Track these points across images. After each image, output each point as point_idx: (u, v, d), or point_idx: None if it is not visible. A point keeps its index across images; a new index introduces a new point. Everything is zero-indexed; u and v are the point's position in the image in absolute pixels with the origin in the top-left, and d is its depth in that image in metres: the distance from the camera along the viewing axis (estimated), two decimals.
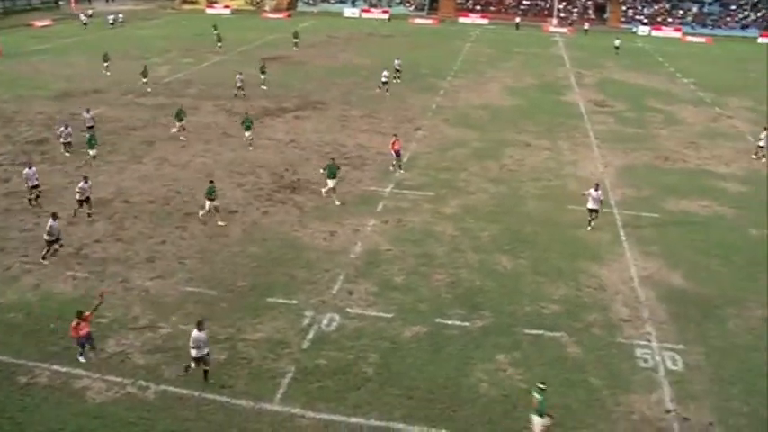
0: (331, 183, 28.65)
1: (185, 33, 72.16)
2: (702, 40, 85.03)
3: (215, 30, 68.11)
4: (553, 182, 32.53)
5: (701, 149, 38.81)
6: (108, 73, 51.28)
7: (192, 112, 41.64)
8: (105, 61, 51.98)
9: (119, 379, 17.45)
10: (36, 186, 27.42)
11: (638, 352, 19.47)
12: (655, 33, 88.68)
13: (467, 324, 20.43)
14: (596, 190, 26.66)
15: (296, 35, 63.65)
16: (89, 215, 26.37)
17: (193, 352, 16.99)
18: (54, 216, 23.19)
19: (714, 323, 21.07)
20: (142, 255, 23.81)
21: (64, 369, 17.78)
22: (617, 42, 71.39)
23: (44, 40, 67.69)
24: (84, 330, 17.58)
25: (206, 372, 17.32)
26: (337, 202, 28.51)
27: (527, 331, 20.16)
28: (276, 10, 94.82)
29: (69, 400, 16.72)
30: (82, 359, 17.94)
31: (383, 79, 48.29)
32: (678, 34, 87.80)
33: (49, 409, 16.41)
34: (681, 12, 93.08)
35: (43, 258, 23.03)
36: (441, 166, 34.01)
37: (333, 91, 48.74)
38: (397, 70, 51.71)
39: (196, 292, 21.59)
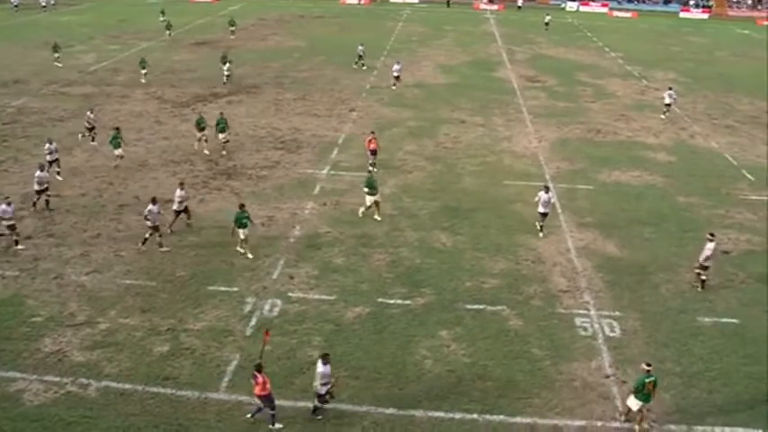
0: (369, 199, 25.51)
1: (110, 20, 69.95)
2: (628, 14, 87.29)
3: (162, 15, 65.30)
4: (489, 158, 32.95)
5: (631, 121, 39.89)
6: (59, 64, 48.36)
7: (122, 101, 40.66)
8: (56, 51, 48.82)
9: (57, 378, 16.96)
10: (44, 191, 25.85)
11: (578, 321, 20.02)
12: (583, 9, 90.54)
13: (409, 302, 20.62)
14: (546, 192, 24.62)
15: (232, 23, 61.85)
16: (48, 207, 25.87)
17: (323, 389, 15.59)
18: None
19: (648, 289, 21.82)
20: (76, 249, 23.17)
21: None
22: (547, 18, 72.46)
23: None
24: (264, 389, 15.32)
25: (324, 402, 15.94)
26: (377, 217, 25.82)
27: (469, 306, 20.49)
28: None
29: (4, 405, 16.11)
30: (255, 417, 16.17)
31: (359, 53, 50.78)
32: (605, 9, 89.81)
33: None
34: None
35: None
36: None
37: (265, 74, 48.12)
38: (360, 56, 51.13)
39: (135, 285, 21.17)
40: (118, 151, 30.04)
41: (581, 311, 20.50)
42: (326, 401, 15.78)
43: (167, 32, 60.70)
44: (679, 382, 17.53)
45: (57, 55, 48.72)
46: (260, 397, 15.34)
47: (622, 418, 16.14)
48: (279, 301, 20.51)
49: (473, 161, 32.45)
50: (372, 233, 24.83)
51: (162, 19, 64.39)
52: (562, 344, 18.98)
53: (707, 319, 20.22)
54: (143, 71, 45.14)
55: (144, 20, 69.53)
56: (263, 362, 15.47)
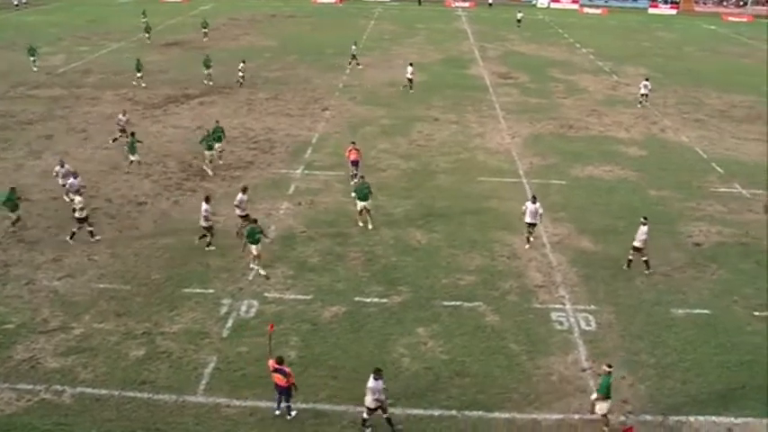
0: (360, 204, 24.83)
1: (78, 20, 69.08)
2: (598, 11, 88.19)
3: (144, 17, 63.59)
4: (462, 155, 33.08)
5: (603, 117, 40.29)
6: (36, 68, 46.96)
7: (93, 103, 40.18)
8: (32, 55, 47.20)
9: (30, 386, 16.69)
10: (73, 200, 24.91)
11: (554, 315, 20.19)
12: (554, 6, 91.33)
13: (385, 301, 20.64)
14: (533, 202, 23.65)
15: (205, 24, 60.73)
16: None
17: (373, 404, 15.22)
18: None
19: (622, 282, 22.06)
20: (48, 254, 22.84)
21: None
22: (519, 15, 72.89)
23: None
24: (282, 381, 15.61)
25: (389, 419, 15.51)
26: (361, 224, 25.23)
27: (445, 303, 20.57)
28: None
29: None
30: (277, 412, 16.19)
31: (352, 52, 50.70)
32: (576, 6, 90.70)
33: None
34: None
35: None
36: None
37: (237, 74, 47.74)
38: (353, 56, 50.98)
39: (109, 289, 20.94)
40: (134, 157, 29.65)
41: (557, 306, 20.67)
42: (390, 423, 15.43)
43: (146, 35, 58.42)
44: (654, 374, 17.76)
45: (33, 59, 47.25)
46: (285, 387, 15.54)
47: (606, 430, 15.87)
48: (255, 302, 20.42)
49: (447, 158, 32.56)
50: (347, 232, 24.81)
51: (144, 20, 63.25)
52: (539, 338, 19.13)
53: (680, 311, 20.49)
54: (138, 74, 44.06)
55: (114, 20, 68.79)
56: (270, 355, 15.73)
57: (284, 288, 21.13)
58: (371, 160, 31.83)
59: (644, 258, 22.48)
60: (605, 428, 15.74)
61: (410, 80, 44.41)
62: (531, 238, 24.08)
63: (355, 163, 28.54)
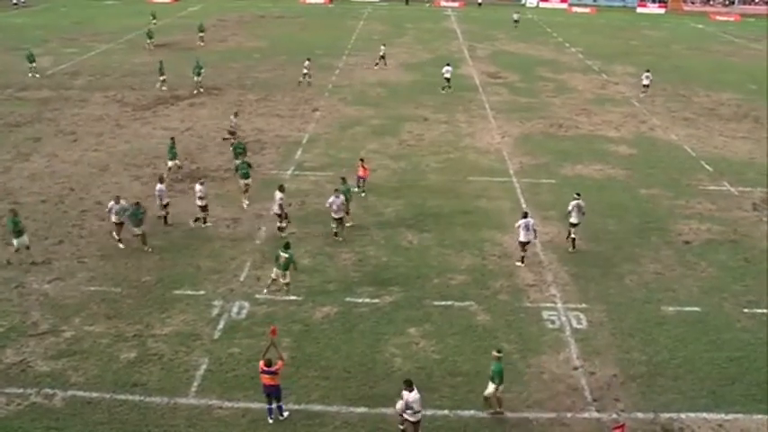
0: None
1: (65, 21, 68.72)
2: (587, 10, 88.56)
3: (153, 18, 62.83)
4: (452, 154, 33.12)
5: (592, 115, 40.44)
6: (37, 75, 46.08)
7: (82, 105, 39.99)
8: (31, 62, 46.14)
9: (20, 390, 16.58)
10: (166, 205, 25.14)
11: (545, 314, 20.24)
12: (543, 5, 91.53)
13: (377, 301, 20.64)
14: (525, 218, 22.46)
15: (201, 28, 59.92)
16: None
17: (411, 417, 14.85)
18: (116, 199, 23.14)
19: (613, 281, 22.15)
20: (38, 257, 22.69)
21: None
22: (516, 16, 73.10)
23: None
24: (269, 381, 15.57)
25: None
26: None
27: (436, 303, 20.58)
28: None
29: None
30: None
31: (380, 53, 51.26)
32: (564, 5, 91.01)
33: None
34: None
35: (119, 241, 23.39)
36: (340, 145, 34.02)
37: (227, 75, 47.70)
38: (382, 56, 51.19)
39: (99, 291, 20.85)
40: (173, 162, 29.25)
41: (548, 305, 20.73)
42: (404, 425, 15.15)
43: (149, 40, 56.27)
44: (645, 371, 17.82)
45: (33, 65, 46.22)
46: (274, 388, 15.47)
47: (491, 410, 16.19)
48: (246, 304, 20.38)
49: (437, 158, 32.59)
50: (338, 232, 24.78)
51: (153, 22, 62.67)
52: (530, 337, 19.17)
53: (670, 309, 20.59)
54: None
55: (101, 22, 68.42)
56: (266, 356, 15.60)
57: (275, 289, 21.07)
58: None
59: (573, 237, 23.50)
60: (491, 409, 16.10)
61: (447, 80, 44.48)
62: (525, 258, 22.90)
63: (362, 179, 28.04)
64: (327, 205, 23.93)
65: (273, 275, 20.61)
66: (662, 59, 57.86)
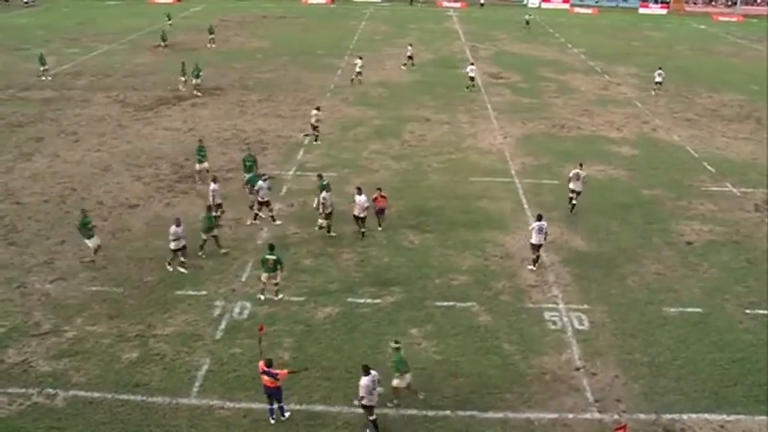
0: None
1: (68, 22, 68.80)
2: (589, 11, 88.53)
3: (168, 19, 62.62)
4: (454, 155, 33.11)
5: (595, 116, 40.39)
6: (49, 78, 45.78)
7: (84, 105, 40.03)
8: (43, 64, 45.79)
9: (22, 390, 16.63)
10: (220, 205, 25.17)
11: (547, 315, 20.22)
12: (545, 6, 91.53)
13: (378, 301, 20.64)
14: (539, 220, 22.21)
15: (211, 30, 59.35)
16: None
17: (365, 401, 15.14)
18: (177, 221, 21.94)
19: (615, 281, 22.12)
20: (39, 257, 22.75)
21: None
22: (527, 17, 73.19)
23: None
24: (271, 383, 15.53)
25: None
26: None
27: (438, 304, 20.57)
28: None
29: None
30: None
31: (408, 53, 51.72)
32: (566, 6, 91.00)
33: None
34: None
35: (168, 265, 22.20)
36: (342, 145, 34.02)
37: (229, 76, 47.72)
38: (410, 56, 51.71)
39: (101, 291, 20.87)
40: (202, 165, 28.86)
41: (550, 305, 20.71)
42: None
43: (163, 43, 56.01)
44: (647, 372, 17.81)
45: (44, 68, 45.91)
46: (275, 389, 15.47)
47: (395, 401, 16.35)
48: (248, 304, 20.39)
49: (439, 159, 32.58)
50: (340, 232, 24.77)
51: (170, 23, 62.64)
52: (532, 338, 19.16)
53: (672, 309, 20.56)
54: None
55: (103, 22, 68.51)
56: (261, 356, 15.72)
57: (277, 289, 21.08)
58: (363, 161, 31.86)
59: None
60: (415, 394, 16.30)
61: (472, 78, 45.28)
62: (537, 262, 22.67)
63: (381, 211, 25.12)
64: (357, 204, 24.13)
65: (263, 279, 20.51)
66: (664, 60, 57.45)
